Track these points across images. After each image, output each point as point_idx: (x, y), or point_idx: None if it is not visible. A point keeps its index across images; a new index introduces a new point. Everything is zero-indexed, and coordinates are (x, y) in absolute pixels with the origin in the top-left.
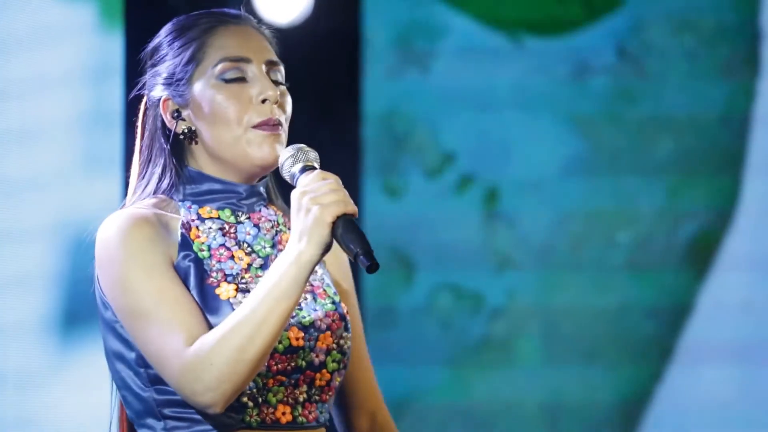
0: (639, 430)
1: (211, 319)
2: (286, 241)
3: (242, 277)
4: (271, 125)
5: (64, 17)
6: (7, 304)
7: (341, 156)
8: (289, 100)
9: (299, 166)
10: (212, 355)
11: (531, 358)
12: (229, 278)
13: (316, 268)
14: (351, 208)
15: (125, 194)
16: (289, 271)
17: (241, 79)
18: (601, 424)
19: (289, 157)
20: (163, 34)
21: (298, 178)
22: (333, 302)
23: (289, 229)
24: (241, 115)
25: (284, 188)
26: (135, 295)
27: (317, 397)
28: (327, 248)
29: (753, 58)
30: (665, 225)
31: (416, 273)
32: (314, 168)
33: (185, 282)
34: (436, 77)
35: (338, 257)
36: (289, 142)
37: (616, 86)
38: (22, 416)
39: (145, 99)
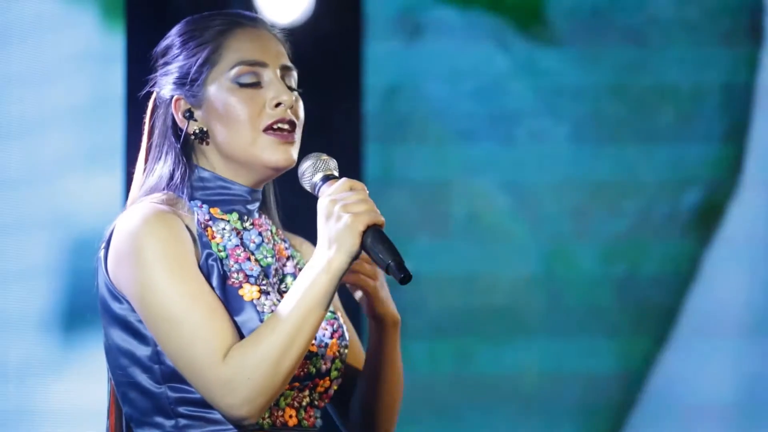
0: (642, 400)
1: (235, 319)
2: (283, 251)
3: (262, 279)
4: (284, 129)
5: (64, 10)
6: (9, 298)
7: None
8: (301, 105)
9: (320, 175)
10: (249, 370)
11: (535, 327)
12: (251, 279)
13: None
14: (380, 218)
15: (127, 188)
16: (320, 279)
17: (257, 84)
18: (603, 393)
19: (309, 166)
20: (176, 33)
21: (320, 188)
22: (332, 311)
23: (281, 239)
24: (254, 118)
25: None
26: (164, 298)
27: (316, 402)
28: (356, 257)
29: (756, 28)
30: (668, 194)
31: (417, 241)
32: (335, 177)
33: (208, 281)
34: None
35: (307, 255)
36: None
37: (618, 57)
38: (23, 409)
39: (154, 96)
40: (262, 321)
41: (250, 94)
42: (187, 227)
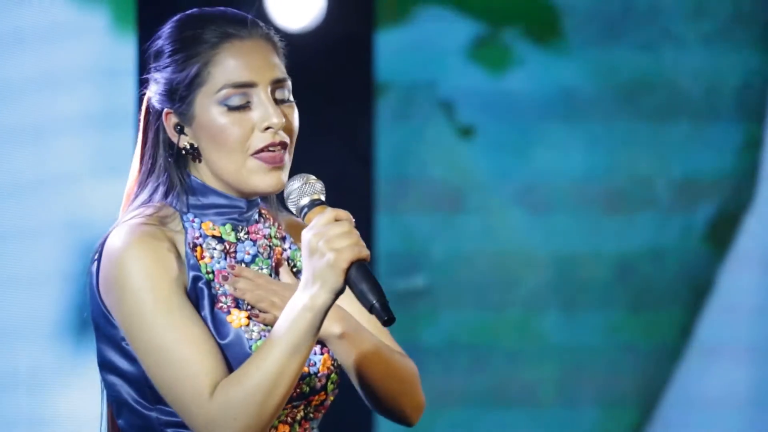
0: (659, 412)
1: (222, 343)
2: (278, 257)
3: (246, 303)
4: (274, 152)
5: (76, 18)
6: (19, 305)
7: (353, 163)
8: (295, 115)
9: (307, 199)
10: (235, 409)
11: (549, 337)
12: (239, 304)
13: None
14: (365, 252)
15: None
16: (304, 316)
17: (245, 106)
18: (619, 405)
19: (295, 189)
20: (166, 37)
21: (305, 213)
22: None
23: (280, 239)
24: (243, 141)
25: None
26: (151, 331)
27: (312, 415)
28: (340, 292)
29: None
30: (683, 205)
31: (430, 252)
32: (321, 201)
33: (197, 306)
34: (449, 78)
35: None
36: (300, 147)
37: (633, 66)
38: (33, 417)
39: (146, 100)
40: (250, 348)
41: (239, 117)
42: (175, 247)
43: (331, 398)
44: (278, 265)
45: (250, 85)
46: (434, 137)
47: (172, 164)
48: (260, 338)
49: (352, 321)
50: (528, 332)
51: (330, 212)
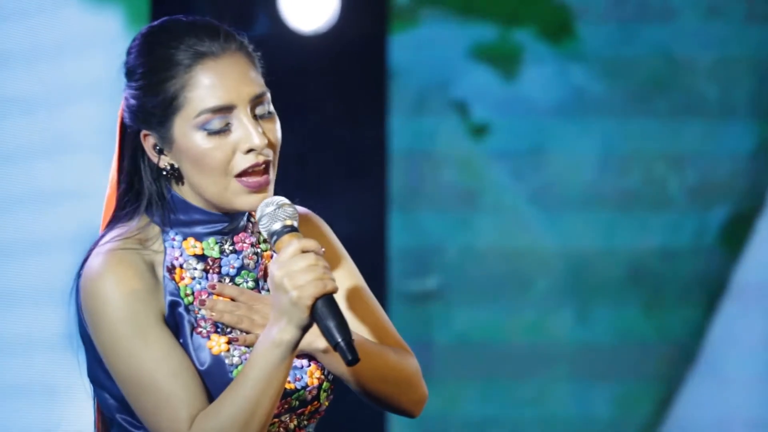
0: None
1: (201, 370)
2: (265, 263)
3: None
4: (258, 178)
5: (91, 26)
6: (35, 316)
7: (367, 166)
8: (277, 127)
9: (278, 225)
10: None
11: (563, 340)
12: (219, 329)
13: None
14: (330, 286)
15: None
16: (273, 353)
17: (225, 129)
18: (633, 409)
19: (267, 215)
20: (137, 55)
21: (275, 240)
22: None
23: (266, 242)
24: (225, 165)
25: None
26: (129, 362)
27: (306, 422)
28: (308, 328)
29: None
30: (696, 208)
31: (444, 254)
32: (293, 227)
33: (176, 332)
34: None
35: (311, 235)
36: (314, 147)
37: (646, 72)
38: (48, 427)
39: (121, 116)
40: (231, 374)
41: (220, 141)
42: (153, 271)
43: (326, 404)
44: (267, 270)
45: (229, 108)
46: (447, 137)
47: (151, 182)
48: (241, 363)
49: None
50: (541, 332)
51: (296, 244)
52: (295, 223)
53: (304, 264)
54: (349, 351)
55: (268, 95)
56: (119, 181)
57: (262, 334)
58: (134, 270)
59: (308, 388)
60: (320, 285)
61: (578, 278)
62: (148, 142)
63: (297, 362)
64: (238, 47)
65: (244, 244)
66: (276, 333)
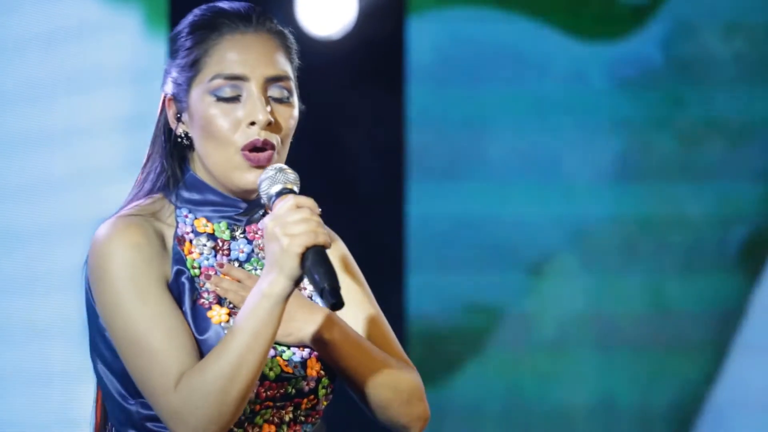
0: None
1: (200, 338)
2: None
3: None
4: (260, 153)
5: (109, 17)
6: (52, 306)
7: (385, 164)
8: (290, 115)
9: (277, 188)
10: (197, 399)
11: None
12: (222, 300)
13: (304, 284)
14: (321, 239)
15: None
16: (262, 304)
17: (236, 98)
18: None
19: (267, 179)
20: (183, 24)
21: (274, 201)
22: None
23: None
24: (230, 135)
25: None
26: (127, 319)
27: (302, 419)
28: (299, 280)
29: None
30: (716, 230)
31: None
32: (292, 191)
33: (179, 300)
34: (482, 86)
35: (333, 252)
36: (333, 152)
37: (665, 91)
38: (67, 418)
39: (162, 90)
40: None
41: (228, 109)
42: (162, 240)
43: (325, 403)
44: None
45: (241, 78)
46: (465, 139)
47: (167, 153)
48: None
49: (345, 329)
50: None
51: (291, 199)
52: (296, 188)
53: (298, 216)
54: (333, 296)
55: (290, 83)
56: (147, 152)
57: (254, 288)
58: (142, 233)
59: (306, 378)
60: (312, 235)
61: (598, 309)
62: (171, 107)
63: (298, 352)
64: (269, 30)
65: (257, 235)
66: (266, 285)
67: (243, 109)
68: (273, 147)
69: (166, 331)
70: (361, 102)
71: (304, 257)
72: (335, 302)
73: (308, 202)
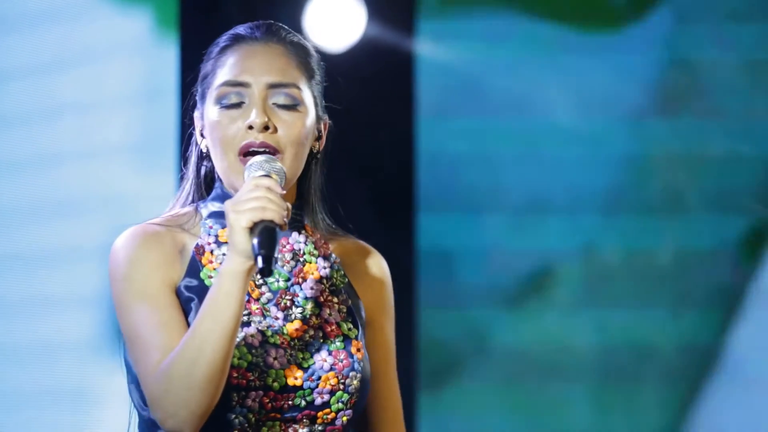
0: None
1: None
2: (307, 273)
3: (246, 309)
4: (255, 154)
5: (119, 28)
6: (62, 320)
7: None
8: (296, 122)
9: (258, 173)
10: (165, 382)
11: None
12: None
13: (336, 299)
14: (269, 214)
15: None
16: (220, 284)
17: (239, 105)
18: None
19: (254, 164)
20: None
21: None
22: (344, 340)
23: (320, 257)
24: (231, 141)
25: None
26: (127, 313)
27: None
28: (252, 256)
29: None
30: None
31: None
32: (270, 177)
33: (187, 310)
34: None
35: (373, 287)
36: (346, 158)
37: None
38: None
39: None
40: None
41: (232, 116)
42: (183, 248)
43: (345, 419)
44: (303, 279)
45: (244, 84)
46: (475, 143)
47: (196, 167)
48: (245, 343)
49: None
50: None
51: (250, 180)
52: (276, 177)
53: (250, 195)
54: (264, 261)
55: (299, 92)
56: (181, 175)
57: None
58: (154, 239)
59: (317, 390)
60: (258, 211)
61: (596, 287)
62: (197, 125)
63: (318, 362)
64: (280, 40)
65: (285, 249)
66: (223, 264)
67: (245, 114)
68: (274, 150)
69: (158, 324)
70: (371, 117)
71: (251, 232)
72: (263, 268)
73: (267, 182)
